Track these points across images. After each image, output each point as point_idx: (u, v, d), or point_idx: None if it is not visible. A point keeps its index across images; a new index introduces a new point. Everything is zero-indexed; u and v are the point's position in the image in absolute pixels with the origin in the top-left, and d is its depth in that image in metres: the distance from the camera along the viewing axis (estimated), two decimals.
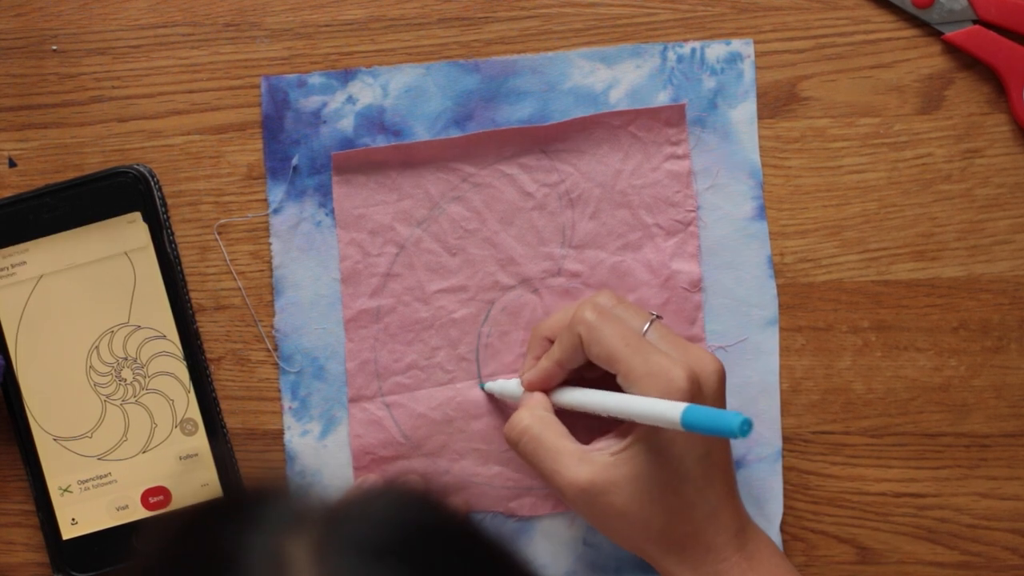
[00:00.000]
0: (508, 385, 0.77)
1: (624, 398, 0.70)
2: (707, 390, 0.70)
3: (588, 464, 0.71)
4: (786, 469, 0.78)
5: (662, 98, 0.78)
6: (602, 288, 0.77)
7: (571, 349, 0.73)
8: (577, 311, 0.72)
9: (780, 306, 0.78)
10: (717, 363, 0.71)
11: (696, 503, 0.70)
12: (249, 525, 0.50)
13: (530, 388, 0.75)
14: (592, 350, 0.72)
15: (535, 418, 0.73)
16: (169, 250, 0.78)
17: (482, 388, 0.78)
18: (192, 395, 0.78)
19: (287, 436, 0.79)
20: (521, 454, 0.73)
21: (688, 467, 0.70)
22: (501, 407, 0.78)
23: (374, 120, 0.79)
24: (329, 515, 0.51)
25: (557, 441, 0.72)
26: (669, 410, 0.66)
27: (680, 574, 0.71)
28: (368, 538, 0.50)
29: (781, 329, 0.78)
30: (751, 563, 0.71)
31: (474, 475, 0.78)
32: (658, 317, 0.74)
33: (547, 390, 0.75)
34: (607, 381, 0.73)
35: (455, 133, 0.78)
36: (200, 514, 0.55)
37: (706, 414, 0.65)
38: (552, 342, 0.75)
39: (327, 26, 0.79)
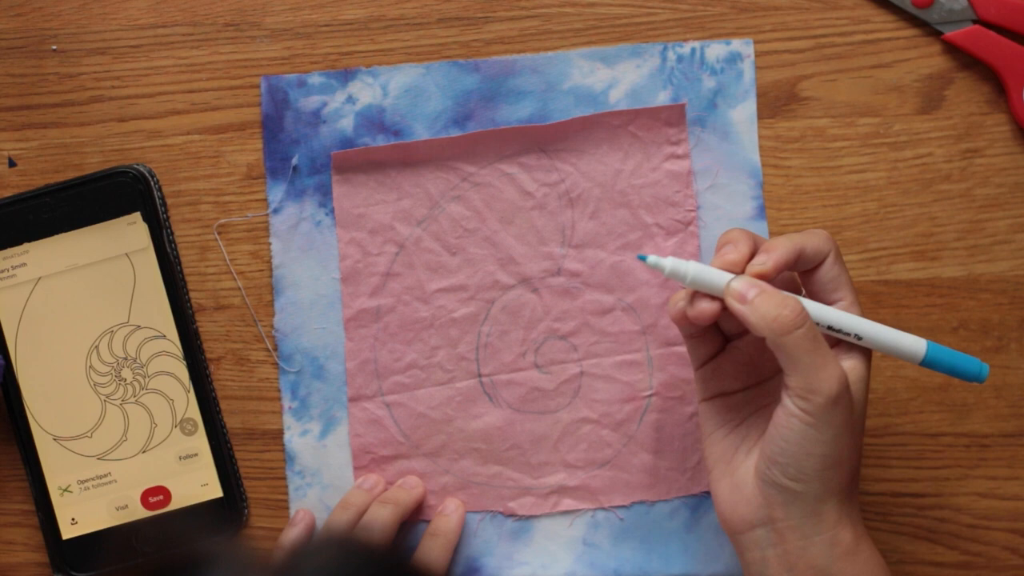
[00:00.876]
0: (711, 273, 0.69)
1: (872, 324, 0.69)
2: None
3: (847, 371, 0.69)
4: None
5: (662, 98, 0.78)
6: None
7: (818, 248, 0.69)
8: (818, 231, 0.70)
9: None
10: None
11: (858, 463, 0.71)
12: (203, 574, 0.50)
13: (776, 267, 0.68)
14: (834, 267, 0.69)
15: (804, 309, 0.68)
16: (169, 250, 0.78)
17: (642, 259, 0.70)
18: (192, 395, 0.78)
19: (287, 436, 0.79)
20: (795, 340, 0.67)
21: (860, 413, 0.70)
22: (502, 407, 0.78)
23: (374, 120, 0.79)
24: (277, 569, 0.51)
25: (822, 338, 0.68)
26: (916, 344, 0.70)
27: (841, 516, 0.69)
28: None
29: None
30: (858, 506, 0.71)
31: (474, 475, 0.78)
32: None
33: (783, 271, 0.69)
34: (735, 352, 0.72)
35: (455, 133, 0.78)
36: (158, 566, 0.55)
37: (951, 354, 0.71)
38: (752, 256, 0.70)
39: (327, 26, 0.79)
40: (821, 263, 0.70)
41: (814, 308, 0.69)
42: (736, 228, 0.71)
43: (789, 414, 0.68)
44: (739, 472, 0.71)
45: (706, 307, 0.69)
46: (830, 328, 0.69)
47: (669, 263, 0.69)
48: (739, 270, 0.69)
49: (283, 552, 0.74)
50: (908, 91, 0.78)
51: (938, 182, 0.78)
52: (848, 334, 0.69)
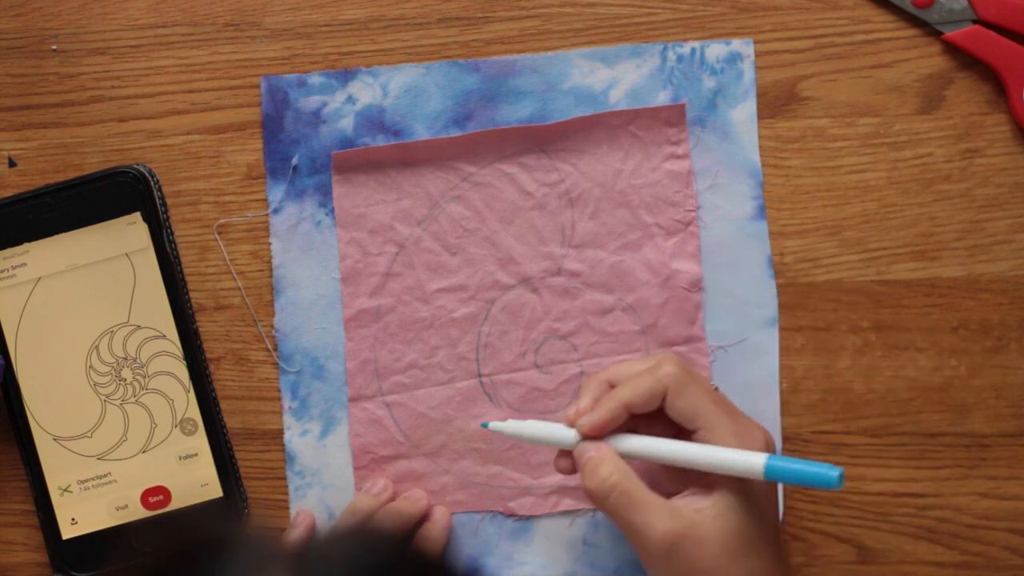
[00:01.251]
0: (537, 427, 0.73)
1: (704, 449, 0.69)
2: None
3: (678, 518, 0.69)
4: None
5: (662, 98, 0.78)
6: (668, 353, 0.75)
7: (647, 396, 0.71)
8: (661, 364, 0.71)
9: (780, 306, 0.78)
10: (770, 435, 0.72)
11: (772, 567, 0.70)
12: (219, 570, 0.50)
13: (593, 431, 0.71)
14: (676, 403, 0.70)
15: (622, 472, 0.70)
16: (169, 250, 0.78)
17: (484, 427, 0.76)
18: (192, 395, 0.78)
19: (287, 436, 0.79)
20: (609, 509, 0.70)
21: (771, 527, 0.70)
22: (502, 407, 0.78)
23: (374, 120, 0.79)
24: (298, 557, 0.51)
25: (647, 495, 0.70)
26: (754, 461, 0.68)
27: None
28: None
29: (781, 329, 0.78)
30: None
31: (474, 475, 0.78)
32: (716, 387, 0.74)
33: (603, 435, 0.72)
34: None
35: (455, 133, 0.78)
36: (171, 557, 0.55)
37: (795, 465, 0.67)
38: (612, 387, 0.72)
39: (327, 26, 0.79)
40: (662, 403, 0.71)
41: (648, 450, 0.71)
42: (590, 377, 0.73)
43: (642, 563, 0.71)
44: None
45: (563, 465, 0.73)
46: (665, 453, 0.70)
47: (508, 427, 0.74)
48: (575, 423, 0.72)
49: (300, 542, 0.75)
50: (908, 91, 0.78)
51: (938, 182, 0.78)
52: (681, 458, 0.70)
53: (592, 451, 0.71)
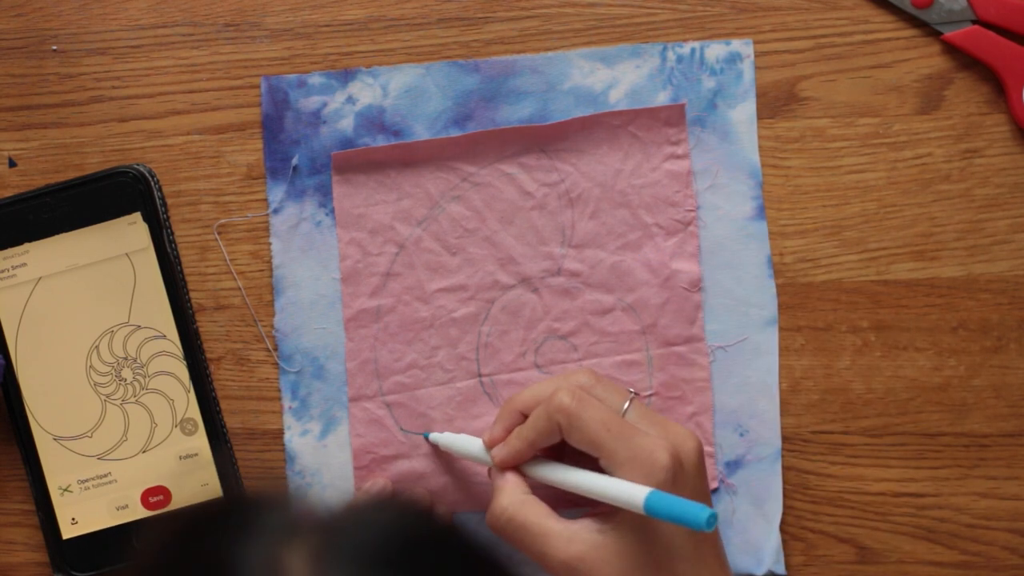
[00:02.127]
0: (467, 444, 0.76)
1: (593, 478, 0.70)
2: (688, 467, 0.70)
3: (577, 542, 0.70)
4: (785, 469, 0.78)
5: (662, 98, 0.78)
6: (580, 368, 0.76)
7: (546, 432, 0.72)
8: (555, 396, 0.71)
9: (779, 306, 0.78)
10: (696, 440, 0.71)
11: None
12: (246, 533, 0.50)
13: (501, 466, 0.74)
14: (573, 436, 0.71)
15: (516, 503, 0.72)
16: (169, 250, 0.78)
17: (426, 438, 0.78)
18: (192, 395, 0.78)
19: (287, 436, 0.79)
20: (508, 540, 0.72)
21: (678, 544, 0.70)
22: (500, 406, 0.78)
23: (374, 120, 0.79)
24: (327, 524, 0.51)
25: (543, 522, 0.71)
26: (635, 494, 0.68)
27: None
28: (366, 548, 0.50)
29: (780, 329, 0.78)
30: None
31: (474, 474, 0.78)
32: (636, 395, 0.73)
33: (515, 467, 0.74)
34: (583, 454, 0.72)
35: (455, 133, 0.78)
36: (197, 520, 0.55)
37: (670, 502, 0.66)
38: (525, 416, 0.74)
39: (327, 26, 0.79)
40: (562, 440, 0.72)
41: (539, 471, 0.73)
42: (504, 405, 0.75)
43: None
44: None
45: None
46: (562, 481, 0.72)
47: (443, 439, 0.77)
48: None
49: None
50: (908, 91, 0.78)
51: (937, 182, 0.78)
52: (573, 484, 0.71)
53: (497, 480, 0.73)
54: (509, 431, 0.74)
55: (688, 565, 0.70)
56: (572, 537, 0.70)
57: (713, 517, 0.65)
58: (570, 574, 0.70)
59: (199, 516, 0.55)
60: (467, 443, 0.76)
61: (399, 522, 0.52)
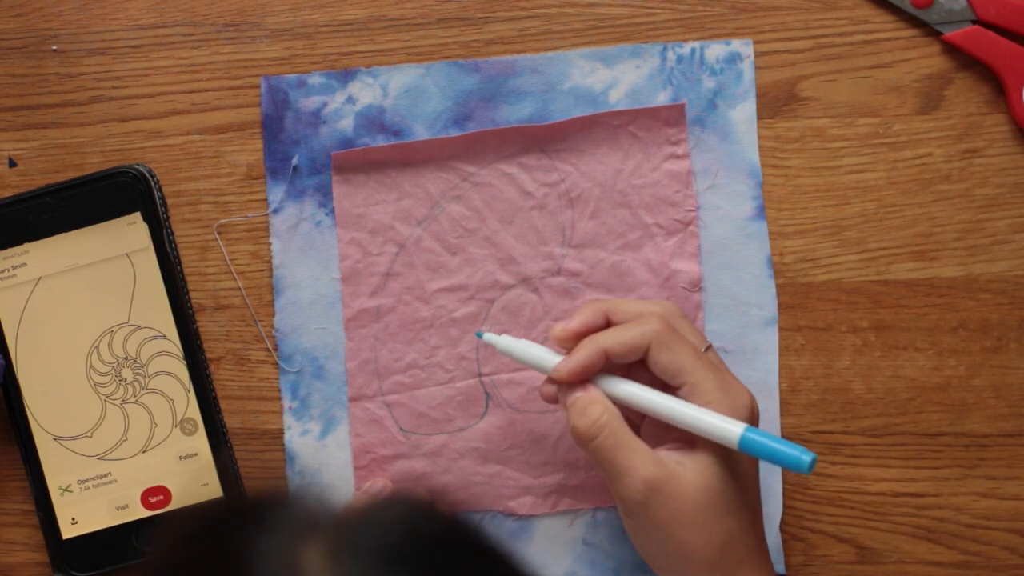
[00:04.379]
0: (531, 349, 0.73)
1: (686, 406, 0.69)
2: (756, 420, 0.71)
3: (661, 464, 0.69)
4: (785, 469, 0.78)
5: (662, 98, 0.78)
6: (668, 302, 0.74)
7: (630, 345, 0.70)
8: (649, 313, 0.70)
9: (779, 306, 0.78)
10: (753, 398, 0.71)
11: (751, 529, 0.70)
12: (262, 529, 0.50)
13: (571, 377, 0.71)
14: (661, 358, 0.70)
15: (611, 412, 0.70)
16: (169, 250, 0.78)
17: (480, 336, 0.75)
18: (192, 395, 0.78)
19: (287, 436, 0.79)
20: (594, 449, 0.70)
21: (751, 490, 0.70)
22: (502, 406, 0.78)
23: (374, 120, 0.79)
24: (342, 521, 0.51)
25: (633, 439, 0.69)
26: (731, 429, 0.68)
27: None
28: (382, 545, 0.50)
29: (780, 329, 0.78)
30: None
31: (474, 474, 0.79)
32: (709, 346, 0.73)
33: (580, 380, 0.71)
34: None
35: (455, 133, 0.78)
36: (212, 516, 0.55)
37: (769, 441, 0.67)
38: (607, 324, 0.72)
39: (327, 26, 0.79)
40: (645, 356, 0.70)
41: (632, 390, 0.70)
42: (590, 303, 0.73)
43: (619, 514, 0.71)
44: None
45: (549, 392, 0.73)
46: (647, 405, 0.70)
47: (503, 343, 0.73)
48: (569, 347, 0.71)
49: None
50: (907, 91, 0.78)
51: (937, 182, 0.78)
52: (662, 410, 0.70)
53: (580, 392, 0.71)
54: (588, 329, 0.72)
55: (753, 512, 0.70)
56: (656, 459, 0.69)
57: (814, 461, 0.66)
58: (649, 494, 0.68)
59: (215, 513, 0.55)
60: (532, 349, 0.73)
61: (415, 519, 0.52)
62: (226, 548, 0.50)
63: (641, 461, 0.69)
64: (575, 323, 0.72)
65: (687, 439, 0.70)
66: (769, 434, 0.68)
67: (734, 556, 0.69)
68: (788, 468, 0.67)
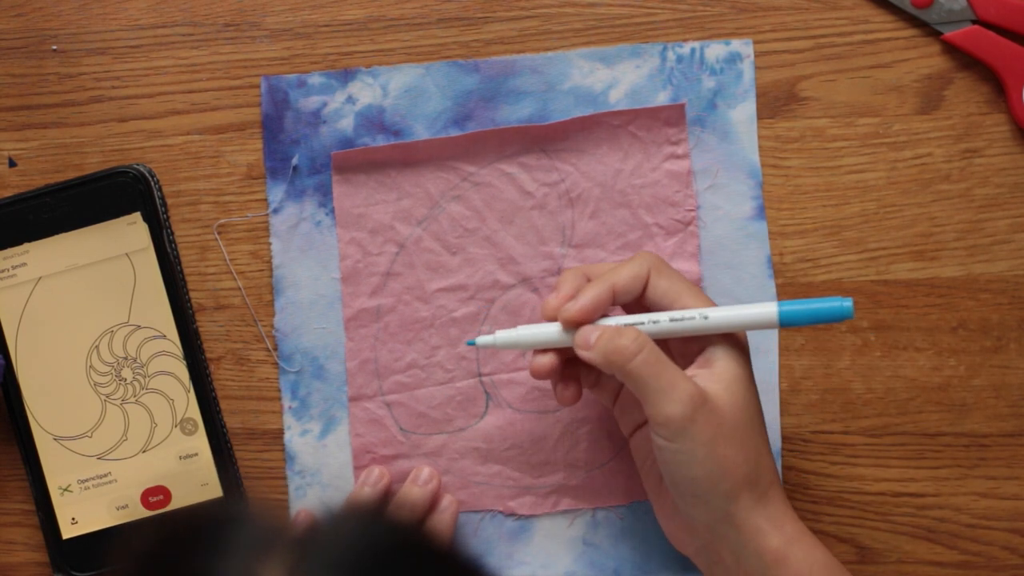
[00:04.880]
0: (529, 330, 0.72)
1: (716, 310, 0.70)
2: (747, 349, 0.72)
3: (699, 381, 0.69)
4: (785, 469, 0.78)
5: (662, 98, 0.78)
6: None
7: (632, 277, 0.70)
8: (639, 253, 0.71)
9: None
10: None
11: (770, 451, 0.71)
12: (221, 549, 0.50)
13: (582, 315, 0.70)
14: (661, 282, 0.70)
15: (644, 336, 0.69)
16: (169, 250, 0.78)
17: (473, 344, 0.74)
18: (192, 395, 0.78)
19: (287, 436, 0.79)
20: (636, 367, 0.68)
21: (759, 408, 0.71)
22: (502, 406, 0.78)
23: (374, 120, 0.79)
24: (300, 538, 0.51)
25: (662, 356, 0.69)
26: (767, 309, 0.70)
27: (766, 533, 0.69)
28: (341, 562, 0.50)
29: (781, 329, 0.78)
30: (785, 505, 0.71)
31: (474, 474, 0.79)
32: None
33: (594, 317, 0.71)
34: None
35: (455, 133, 0.78)
36: (172, 535, 0.55)
37: (805, 304, 0.69)
38: (588, 281, 0.72)
39: (327, 26, 0.79)
40: (645, 287, 0.71)
41: (652, 315, 0.70)
42: (567, 270, 0.73)
43: (656, 443, 0.69)
44: (668, 499, 0.72)
45: (545, 361, 0.72)
46: (673, 321, 0.70)
47: (500, 338, 0.72)
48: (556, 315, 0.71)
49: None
50: (907, 91, 0.78)
51: (937, 182, 0.78)
52: (693, 318, 0.70)
53: (608, 327, 0.70)
54: (574, 293, 0.71)
55: (763, 428, 0.71)
56: (693, 376, 0.69)
57: (852, 304, 0.69)
58: (695, 410, 0.68)
59: (174, 531, 0.55)
60: (530, 328, 0.72)
61: (373, 535, 0.52)
62: (185, 567, 0.50)
63: (683, 378, 0.68)
64: (566, 288, 0.71)
65: (705, 360, 0.70)
66: (800, 300, 0.70)
67: (767, 474, 0.70)
68: (833, 320, 0.69)
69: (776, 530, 0.69)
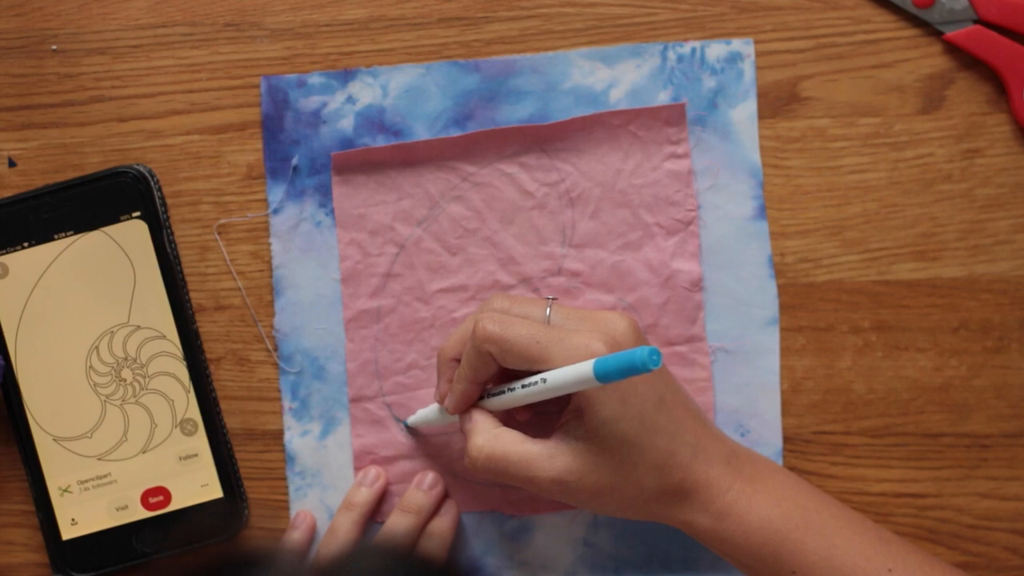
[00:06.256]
0: (430, 412, 0.77)
1: (538, 378, 0.70)
2: (626, 345, 0.71)
3: (559, 456, 0.71)
4: (787, 469, 0.78)
5: (662, 98, 0.78)
6: (495, 295, 0.75)
7: (481, 366, 0.72)
8: (477, 328, 0.71)
9: (780, 306, 0.78)
10: (627, 319, 0.72)
11: (675, 449, 0.71)
12: None
13: (456, 411, 0.74)
14: (508, 360, 0.71)
15: (490, 438, 0.72)
16: (169, 250, 0.78)
17: (405, 426, 0.78)
18: (192, 395, 0.78)
19: (287, 436, 0.79)
20: (492, 476, 0.72)
21: (651, 421, 0.70)
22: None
23: (374, 120, 0.79)
24: (320, 572, 0.51)
25: (520, 448, 0.71)
26: (583, 371, 0.67)
27: (696, 520, 0.71)
28: None
29: (781, 329, 0.78)
30: (755, 485, 0.71)
31: (474, 474, 0.78)
32: (554, 299, 0.74)
33: (470, 407, 0.74)
34: None
35: (455, 133, 0.78)
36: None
37: (614, 359, 0.66)
38: (459, 362, 0.74)
39: (327, 26, 0.79)
40: (499, 367, 0.72)
41: (494, 404, 0.74)
42: (438, 355, 0.75)
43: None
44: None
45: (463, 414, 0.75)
46: (524, 388, 0.71)
47: (411, 419, 0.78)
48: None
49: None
50: (909, 91, 0.78)
51: (939, 182, 0.78)
52: (536, 383, 0.71)
53: (466, 425, 0.74)
54: (452, 381, 0.74)
55: (667, 435, 0.71)
56: (553, 453, 0.71)
57: (655, 353, 0.64)
58: (562, 488, 0.71)
59: (201, 573, 0.55)
60: (428, 413, 0.77)
61: (391, 569, 0.52)
62: None
63: (538, 467, 0.71)
64: (443, 385, 0.75)
65: (578, 409, 0.72)
66: (613, 354, 0.67)
67: (674, 480, 0.71)
68: (639, 370, 0.65)
69: (702, 514, 0.71)
